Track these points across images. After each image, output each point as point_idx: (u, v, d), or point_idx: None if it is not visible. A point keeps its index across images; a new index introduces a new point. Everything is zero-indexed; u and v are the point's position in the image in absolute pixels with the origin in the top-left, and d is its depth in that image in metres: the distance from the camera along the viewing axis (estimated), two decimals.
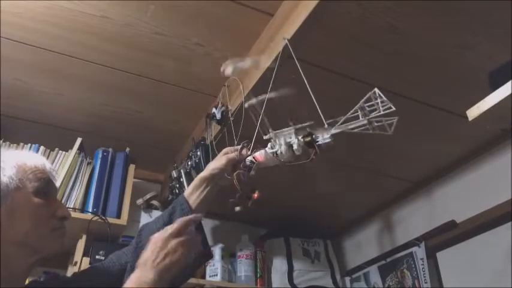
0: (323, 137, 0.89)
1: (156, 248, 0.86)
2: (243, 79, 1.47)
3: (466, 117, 0.99)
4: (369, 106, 0.82)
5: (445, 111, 1.63)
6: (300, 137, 0.92)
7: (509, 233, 1.61)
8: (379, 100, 0.80)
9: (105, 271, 1.02)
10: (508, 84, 0.90)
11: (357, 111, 0.83)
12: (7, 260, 0.83)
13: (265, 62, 1.33)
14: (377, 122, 0.83)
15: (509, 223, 1.62)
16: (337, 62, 1.47)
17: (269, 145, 0.99)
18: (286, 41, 1.21)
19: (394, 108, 0.79)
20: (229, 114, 1.49)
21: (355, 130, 0.84)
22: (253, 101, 0.98)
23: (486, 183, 1.77)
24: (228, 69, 1.12)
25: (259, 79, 1.38)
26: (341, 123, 0.86)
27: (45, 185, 0.92)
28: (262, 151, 1.02)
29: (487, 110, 0.94)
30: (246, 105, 1.00)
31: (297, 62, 1.10)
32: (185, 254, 0.87)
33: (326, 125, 0.89)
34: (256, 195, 1.01)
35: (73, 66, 1.57)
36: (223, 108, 1.53)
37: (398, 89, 1.51)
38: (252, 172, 1.04)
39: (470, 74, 1.45)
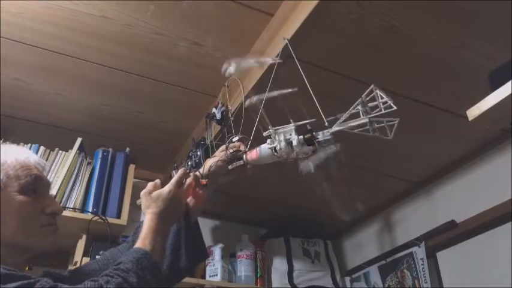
0: (323, 134, 0.88)
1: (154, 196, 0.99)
2: (243, 79, 1.47)
3: (466, 117, 0.99)
4: (370, 104, 0.82)
5: (445, 111, 1.63)
6: (299, 135, 0.91)
7: (509, 233, 1.61)
8: (380, 100, 0.80)
9: (100, 270, 1.02)
10: (508, 84, 0.90)
11: (358, 108, 0.83)
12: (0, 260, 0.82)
13: (266, 61, 1.33)
14: (377, 122, 0.82)
15: (509, 223, 1.62)
16: (337, 62, 1.47)
17: (268, 141, 0.99)
18: (286, 41, 1.21)
19: (395, 107, 0.78)
20: (229, 114, 1.49)
21: (356, 130, 0.84)
22: (254, 98, 0.99)
23: (486, 183, 1.77)
24: (229, 68, 1.12)
25: (259, 79, 1.38)
26: (343, 120, 0.86)
27: (31, 182, 0.90)
28: (256, 148, 1.02)
29: (487, 110, 0.94)
30: (247, 103, 1.01)
31: (297, 62, 1.10)
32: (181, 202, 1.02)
33: (326, 123, 0.88)
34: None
35: (73, 66, 1.57)
36: (223, 108, 1.53)
37: (398, 89, 1.51)
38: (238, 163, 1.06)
39: (470, 74, 1.45)
